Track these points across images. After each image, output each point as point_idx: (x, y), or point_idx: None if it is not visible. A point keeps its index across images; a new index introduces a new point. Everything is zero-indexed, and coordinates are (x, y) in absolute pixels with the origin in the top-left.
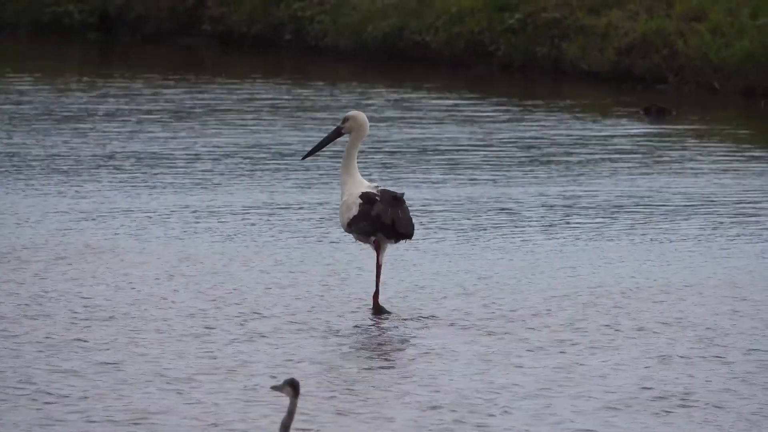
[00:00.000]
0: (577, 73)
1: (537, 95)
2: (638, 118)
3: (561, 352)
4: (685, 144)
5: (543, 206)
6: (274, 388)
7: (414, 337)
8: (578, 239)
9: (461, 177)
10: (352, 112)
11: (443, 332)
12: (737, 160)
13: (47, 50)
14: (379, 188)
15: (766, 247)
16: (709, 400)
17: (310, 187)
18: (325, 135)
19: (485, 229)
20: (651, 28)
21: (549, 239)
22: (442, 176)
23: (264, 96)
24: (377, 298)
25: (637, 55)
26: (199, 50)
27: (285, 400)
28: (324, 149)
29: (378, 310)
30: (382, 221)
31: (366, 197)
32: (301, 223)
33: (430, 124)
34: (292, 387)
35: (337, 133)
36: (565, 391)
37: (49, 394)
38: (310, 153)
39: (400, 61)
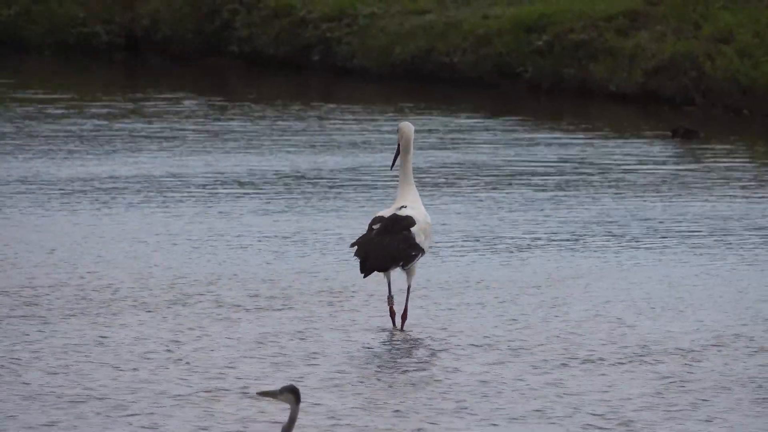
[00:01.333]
0: (605, 95)
1: (564, 117)
2: (666, 140)
3: (560, 370)
4: (711, 168)
5: (559, 230)
6: (265, 394)
7: (415, 357)
8: (595, 261)
9: (477, 199)
10: (399, 124)
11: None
12: (762, 185)
13: (73, 71)
14: (402, 209)
15: None
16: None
17: (314, 214)
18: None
19: (497, 252)
20: (679, 50)
21: (567, 261)
22: (464, 197)
23: (289, 119)
24: (404, 318)
25: (664, 76)
26: (226, 71)
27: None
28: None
29: (395, 322)
30: (358, 254)
31: (371, 224)
32: (303, 251)
33: (455, 145)
34: (293, 393)
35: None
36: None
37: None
38: (393, 162)
39: (428, 82)
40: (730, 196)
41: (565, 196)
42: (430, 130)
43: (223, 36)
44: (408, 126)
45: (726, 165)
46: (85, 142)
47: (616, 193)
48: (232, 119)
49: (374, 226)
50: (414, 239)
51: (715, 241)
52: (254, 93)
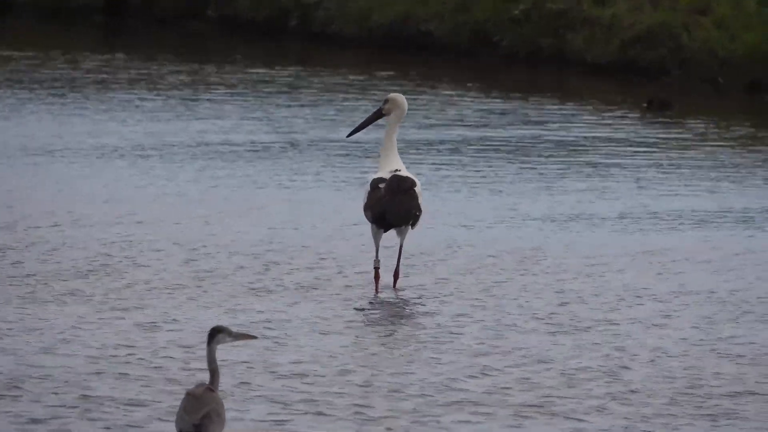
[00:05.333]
0: (582, 65)
1: (540, 87)
2: (640, 111)
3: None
4: (685, 145)
5: (525, 215)
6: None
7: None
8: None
9: (443, 174)
10: (392, 95)
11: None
12: (735, 165)
13: (52, 33)
14: (396, 173)
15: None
16: None
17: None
18: (367, 115)
19: (455, 241)
20: (656, 21)
21: (529, 253)
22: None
23: (266, 83)
24: (397, 276)
25: (641, 47)
26: (204, 35)
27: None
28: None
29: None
30: (373, 211)
31: (374, 184)
32: (287, 221)
33: (430, 117)
34: (208, 334)
35: (378, 114)
36: None
37: None
38: (354, 132)
39: (406, 48)
40: (697, 178)
41: (530, 175)
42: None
43: None
44: (403, 98)
45: (697, 141)
46: (60, 105)
47: (580, 174)
48: (208, 83)
49: (380, 185)
50: (418, 199)
51: (694, 229)
52: (231, 57)
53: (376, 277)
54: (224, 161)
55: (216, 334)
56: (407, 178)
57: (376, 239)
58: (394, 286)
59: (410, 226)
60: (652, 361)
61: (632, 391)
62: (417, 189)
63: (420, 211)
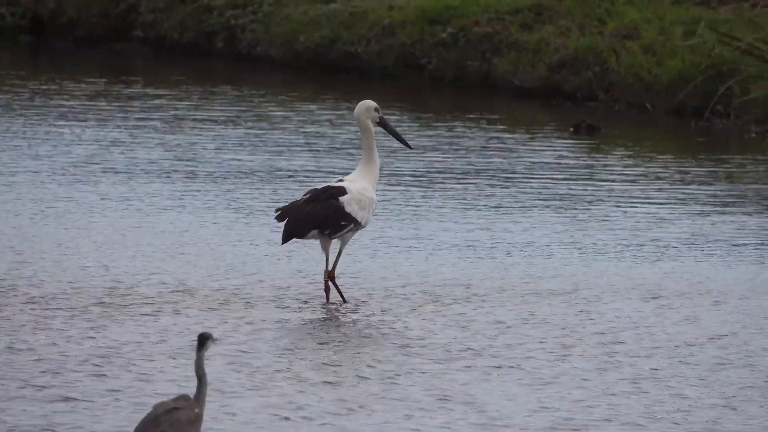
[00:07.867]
0: (508, 89)
1: (466, 110)
2: (567, 135)
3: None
4: (610, 168)
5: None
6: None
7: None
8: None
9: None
10: None
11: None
12: (657, 187)
13: None
14: (339, 182)
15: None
16: None
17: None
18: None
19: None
20: (583, 45)
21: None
22: None
23: (190, 105)
24: (332, 277)
25: (568, 71)
26: (131, 56)
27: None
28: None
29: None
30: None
31: (304, 195)
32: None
33: (352, 141)
34: (198, 340)
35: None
36: None
37: None
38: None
39: (332, 72)
40: (623, 199)
41: (448, 201)
42: (326, 120)
43: (128, 21)
44: (357, 107)
45: (623, 163)
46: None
47: (500, 202)
48: (132, 105)
49: (305, 196)
50: (343, 208)
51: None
52: (157, 78)
53: (327, 287)
54: (143, 182)
55: (205, 340)
56: (335, 187)
57: (323, 247)
58: (326, 288)
59: (329, 237)
60: None
61: None
62: (348, 197)
63: (348, 221)
